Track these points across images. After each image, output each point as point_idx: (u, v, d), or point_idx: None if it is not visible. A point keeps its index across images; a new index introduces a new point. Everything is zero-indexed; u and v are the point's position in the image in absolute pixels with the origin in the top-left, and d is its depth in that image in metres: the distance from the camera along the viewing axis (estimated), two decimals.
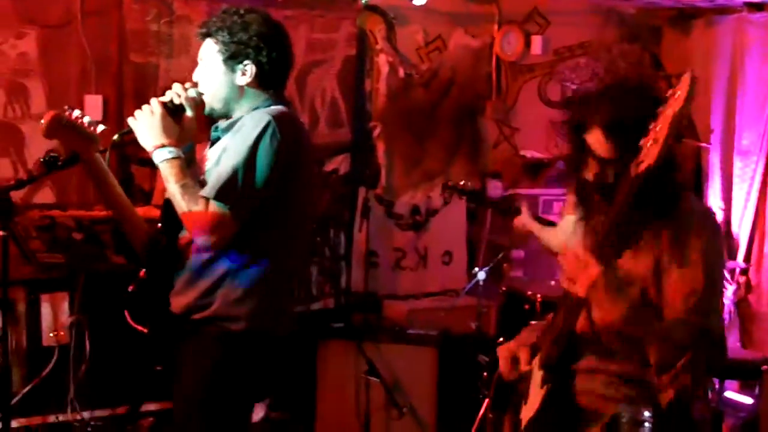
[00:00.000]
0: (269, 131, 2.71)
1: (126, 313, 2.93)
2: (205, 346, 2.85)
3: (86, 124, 2.89)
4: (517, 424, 2.92)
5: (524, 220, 4.11)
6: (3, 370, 3.26)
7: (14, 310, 4.96)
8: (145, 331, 2.92)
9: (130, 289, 2.95)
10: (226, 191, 2.69)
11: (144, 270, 2.96)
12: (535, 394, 2.80)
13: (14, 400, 4.85)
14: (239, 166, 2.70)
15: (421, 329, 5.34)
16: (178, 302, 2.90)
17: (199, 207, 2.69)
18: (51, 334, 5.04)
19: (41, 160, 3.01)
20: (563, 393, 2.73)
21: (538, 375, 2.81)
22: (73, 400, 5.00)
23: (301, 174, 2.86)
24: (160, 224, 2.95)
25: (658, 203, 2.49)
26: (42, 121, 2.87)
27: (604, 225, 2.40)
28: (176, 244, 2.92)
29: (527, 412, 2.85)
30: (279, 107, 2.86)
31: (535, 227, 4.01)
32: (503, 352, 3.01)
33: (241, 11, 2.90)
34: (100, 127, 2.90)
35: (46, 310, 5.05)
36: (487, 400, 4.45)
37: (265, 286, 2.84)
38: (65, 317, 5.04)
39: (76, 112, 2.88)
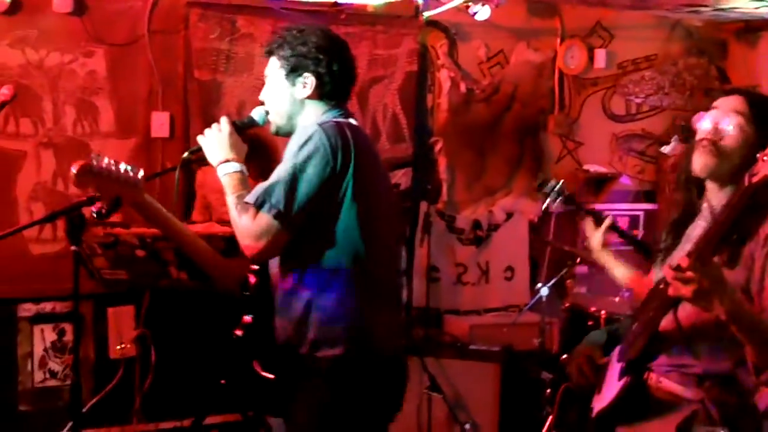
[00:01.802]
0: (313, 140, 2.69)
1: (255, 365, 2.85)
2: (310, 380, 2.79)
3: (122, 170, 2.89)
4: (585, 413, 2.91)
5: (595, 243, 3.95)
6: (73, 382, 3.31)
7: (82, 323, 5.07)
8: (272, 377, 2.84)
9: (238, 333, 2.90)
10: (264, 197, 2.68)
11: (249, 315, 2.91)
12: (611, 385, 2.78)
13: (83, 411, 4.95)
14: (283, 175, 2.68)
15: (483, 345, 5.29)
16: (279, 337, 2.86)
17: (248, 215, 2.70)
18: (118, 347, 5.14)
19: (93, 213, 3.00)
20: (640, 387, 2.71)
21: (615, 367, 2.79)
22: (138, 411, 5.08)
23: (365, 183, 2.79)
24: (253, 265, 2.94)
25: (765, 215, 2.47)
26: (72, 170, 2.88)
27: (709, 229, 2.37)
28: (270, 280, 2.91)
29: (600, 402, 2.83)
30: (332, 118, 2.84)
31: (604, 258, 3.88)
32: (578, 353, 3.00)
33: (302, 27, 2.93)
34: (141, 172, 2.91)
35: (112, 323, 5.16)
36: (550, 418, 4.44)
37: (352, 302, 2.78)
38: (131, 331, 5.14)
39: (106, 159, 2.88)
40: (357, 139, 2.78)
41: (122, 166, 2.87)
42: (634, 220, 6.52)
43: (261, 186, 2.71)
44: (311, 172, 2.68)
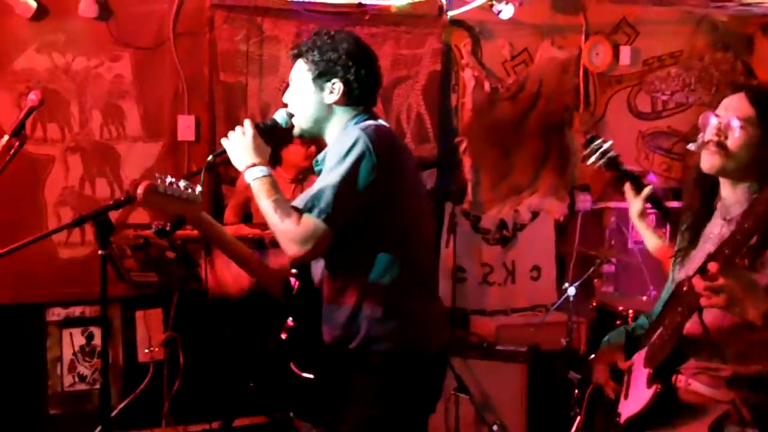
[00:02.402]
0: (359, 144, 2.72)
1: (291, 365, 2.94)
2: (361, 376, 2.85)
3: (182, 188, 2.92)
4: (611, 417, 2.90)
5: (634, 210, 3.91)
6: (102, 386, 3.32)
7: (111, 326, 5.10)
8: (312, 376, 2.92)
9: (283, 337, 2.98)
10: (313, 202, 2.71)
11: (291, 318, 2.98)
12: (639, 392, 2.77)
13: (112, 414, 4.97)
14: (331, 179, 2.72)
15: (510, 345, 5.27)
16: (328, 335, 2.92)
17: (291, 219, 2.72)
18: (146, 351, 5.17)
19: (153, 231, 3.03)
20: (669, 392, 2.70)
21: (641, 372, 2.78)
22: (167, 414, 5.11)
23: (405, 184, 2.87)
24: (293, 269, 2.98)
25: None
26: (138, 190, 2.91)
27: (734, 234, 2.35)
28: (312, 284, 2.96)
29: (628, 408, 2.81)
30: (369, 122, 2.87)
31: (640, 226, 3.86)
32: (600, 358, 2.99)
33: (332, 32, 2.94)
34: (198, 189, 2.94)
35: (141, 327, 5.19)
36: (578, 418, 4.42)
37: (401, 298, 2.85)
38: (159, 334, 5.16)
39: (169, 179, 2.92)
40: (396, 142, 2.88)
41: (182, 184, 2.90)
42: (661, 218, 6.47)
43: (309, 191, 2.75)
44: (358, 176, 2.72)
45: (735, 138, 2.59)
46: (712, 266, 2.25)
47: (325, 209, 2.70)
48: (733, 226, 2.39)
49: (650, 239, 3.70)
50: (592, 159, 3.93)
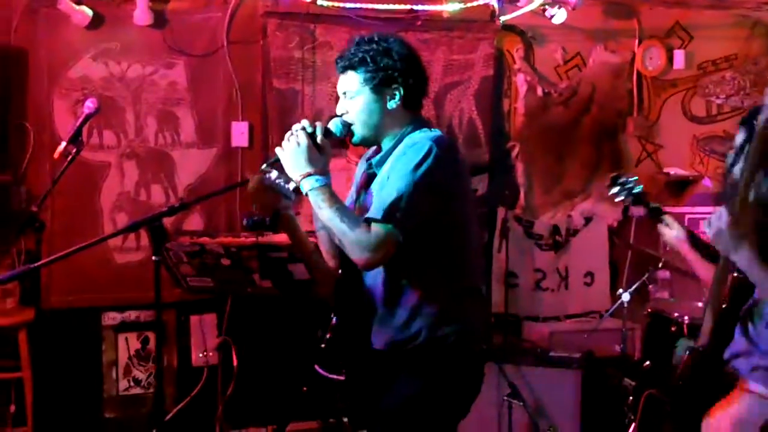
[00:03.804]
0: (432, 155, 2.75)
1: (316, 368, 3.00)
2: (418, 368, 2.90)
3: (282, 183, 2.97)
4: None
5: (674, 240, 3.94)
6: (157, 390, 3.36)
7: (165, 331, 5.15)
8: (342, 378, 2.98)
9: (328, 336, 3.02)
10: (390, 213, 2.73)
11: (334, 316, 3.02)
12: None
13: (166, 418, 5.02)
14: (403, 188, 2.74)
15: (563, 352, 5.22)
16: (381, 339, 2.96)
17: (361, 228, 2.73)
18: (200, 355, 5.20)
19: (244, 223, 3.09)
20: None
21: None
22: (221, 419, 5.14)
23: (464, 190, 2.93)
24: (340, 270, 3.00)
25: None
26: (249, 186, 2.98)
27: None
28: (360, 284, 2.98)
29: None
30: (436, 132, 2.90)
31: (688, 253, 3.85)
32: None
33: (376, 38, 2.94)
34: (292, 185, 2.97)
35: (195, 331, 5.22)
36: (633, 425, 4.37)
37: (458, 302, 2.90)
38: (213, 338, 5.20)
39: (274, 173, 2.96)
40: (458, 150, 2.93)
41: (281, 179, 2.95)
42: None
43: (381, 201, 2.77)
44: (429, 185, 2.75)
45: None
46: None
47: (397, 217, 2.72)
48: None
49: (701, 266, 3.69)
50: (620, 197, 3.97)
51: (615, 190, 4.07)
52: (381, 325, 2.94)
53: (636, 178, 4.05)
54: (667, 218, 3.95)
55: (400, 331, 2.89)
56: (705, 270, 3.74)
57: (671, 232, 3.91)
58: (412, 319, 2.87)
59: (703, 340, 2.78)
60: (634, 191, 3.99)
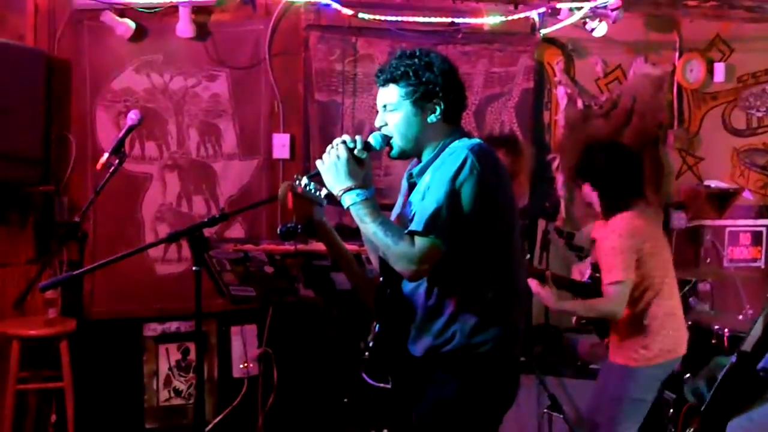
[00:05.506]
0: (468, 164, 2.76)
1: (364, 376, 3.01)
2: (451, 373, 2.92)
3: (313, 190, 2.98)
4: None
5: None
6: (197, 400, 3.36)
7: (206, 342, 5.17)
8: (388, 386, 2.99)
9: (371, 344, 3.02)
10: (432, 224, 2.74)
11: (377, 324, 3.03)
12: None
13: (206, 429, 5.03)
14: (443, 199, 2.75)
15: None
16: (419, 347, 2.98)
17: (405, 241, 2.75)
18: (241, 366, 5.21)
19: (278, 231, 3.10)
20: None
21: None
22: (261, 429, 5.15)
23: (505, 199, 2.91)
24: (381, 277, 3.01)
25: None
26: (279, 194, 3.00)
27: None
28: (401, 292, 2.99)
29: None
30: (474, 141, 2.90)
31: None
32: None
33: (417, 53, 2.95)
34: (323, 192, 2.98)
35: (236, 342, 5.24)
36: None
37: (497, 310, 2.90)
38: (254, 349, 5.21)
39: (304, 180, 2.97)
40: (498, 159, 2.91)
41: (312, 186, 2.96)
42: (756, 236, 6.34)
43: (423, 213, 2.77)
44: (470, 196, 2.76)
45: None
46: None
47: (441, 230, 2.73)
48: None
49: None
50: None
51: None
52: (420, 332, 2.96)
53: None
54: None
55: (437, 337, 2.91)
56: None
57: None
58: (449, 325, 2.89)
59: (749, 345, 2.77)
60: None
